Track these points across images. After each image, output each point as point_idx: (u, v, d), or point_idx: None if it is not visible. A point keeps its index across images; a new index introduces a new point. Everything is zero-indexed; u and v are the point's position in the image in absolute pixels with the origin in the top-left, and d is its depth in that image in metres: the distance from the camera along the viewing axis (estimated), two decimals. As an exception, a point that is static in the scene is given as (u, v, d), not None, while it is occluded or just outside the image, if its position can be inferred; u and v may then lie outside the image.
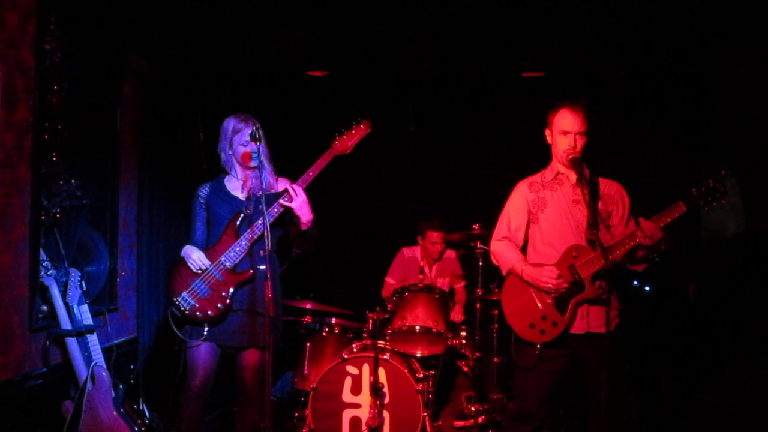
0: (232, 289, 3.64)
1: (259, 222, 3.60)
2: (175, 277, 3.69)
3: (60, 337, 3.88)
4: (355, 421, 4.55)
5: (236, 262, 3.65)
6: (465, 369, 5.38)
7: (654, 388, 5.23)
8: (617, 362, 3.41)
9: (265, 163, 3.68)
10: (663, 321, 5.53)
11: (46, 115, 3.79)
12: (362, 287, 6.17)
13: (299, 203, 3.63)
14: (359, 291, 6.19)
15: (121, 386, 3.92)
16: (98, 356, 3.92)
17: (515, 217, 3.72)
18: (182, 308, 3.63)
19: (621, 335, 3.52)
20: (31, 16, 3.69)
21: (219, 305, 3.63)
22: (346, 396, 4.58)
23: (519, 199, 3.72)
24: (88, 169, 4.26)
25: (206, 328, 3.63)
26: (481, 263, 5.00)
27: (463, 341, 5.23)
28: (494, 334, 5.19)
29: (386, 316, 5.03)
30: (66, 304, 3.87)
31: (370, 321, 5.01)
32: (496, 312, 5.18)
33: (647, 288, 5.66)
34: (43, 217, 3.80)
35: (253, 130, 3.52)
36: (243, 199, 3.75)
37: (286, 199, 3.62)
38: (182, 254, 3.73)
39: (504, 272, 3.71)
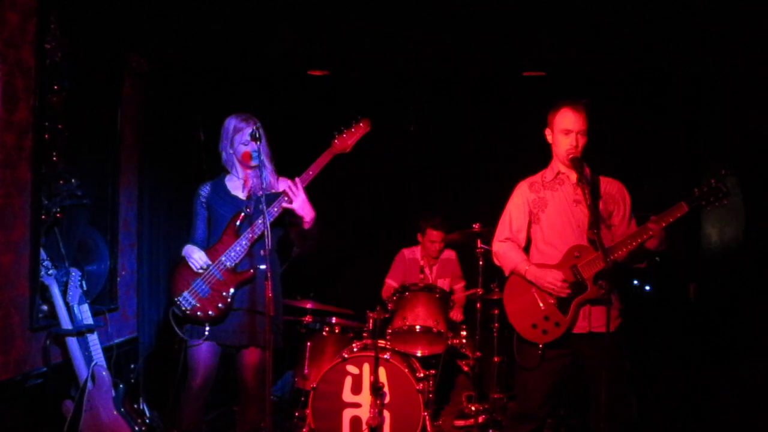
0: (232, 289, 3.64)
1: (260, 221, 3.61)
2: (176, 276, 3.70)
3: (60, 337, 3.88)
4: (356, 421, 4.55)
5: (237, 261, 3.66)
6: (465, 368, 5.38)
7: (654, 387, 5.23)
8: (618, 362, 3.41)
9: (266, 163, 3.69)
10: (663, 321, 5.53)
11: (47, 115, 3.78)
12: (362, 287, 6.17)
13: (299, 203, 3.63)
14: (359, 290, 6.19)
15: (121, 386, 3.91)
16: (98, 356, 3.92)
17: (516, 218, 3.72)
18: (183, 308, 3.64)
19: (622, 335, 3.52)
20: (32, 15, 3.69)
21: (220, 305, 3.63)
22: (347, 395, 4.58)
23: (520, 199, 3.72)
24: (88, 169, 4.25)
25: (207, 328, 3.64)
26: (481, 262, 5.00)
27: (464, 341, 5.23)
28: (495, 334, 5.19)
29: (386, 315, 5.03)
30: (66, 303, 3.86)
31: (371, 320, 5.01)
32: (496, 311, 5.18)
33: (648, 288, 5.66)
34: (43, 217, 3.80)
35: (253, 130, 3.52)
36: (244, 198, 3.76)
37: (285, 200, 3.63)
38: (183, 254, 3.73)
39: (507, 272, 3.71)
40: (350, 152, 3.77)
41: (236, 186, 3.81)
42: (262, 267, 3.62)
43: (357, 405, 4.56)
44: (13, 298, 3.61)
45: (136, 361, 4.72)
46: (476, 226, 5.07)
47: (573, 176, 3.59)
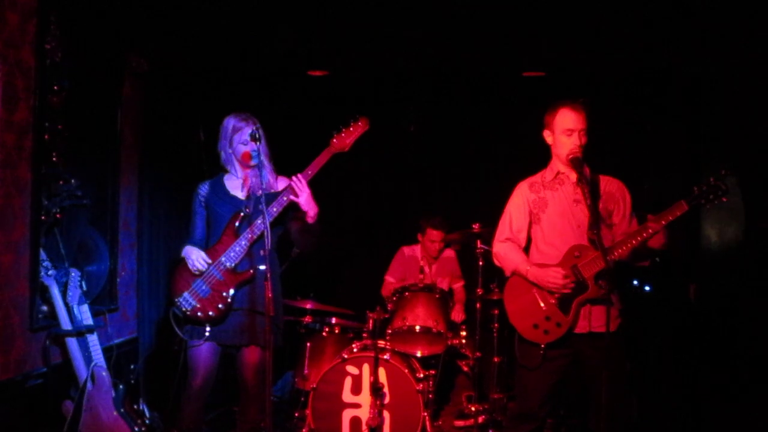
0: (232, 290, 3.64)
1: (259, 221, 3.61)
2: (176, 277, 3.70)
3: (60, 337, 3.88)
4: (356, 421, 4.55)
5: (236, 261, 3.66)
6: (465, 369, 5.38)
7: (654, 388, 5.23)
8: (618, 362, 3.41)
9: (265, 162, 3.68)
10: (663, 321, 5.53)
11: (47, 115, 3.78)
12: (362, 287, 6.17)
13: (305, 197, 3.63)
14: (359, 291, 6.20)
15: (121, 386, 3.91)
16: (98, 356, 3.92)
17: (517, 218, 3.72)
18: (183, 308, 3.64)
19: (622, 335, 3.52)
20: (32, 15, 3.69)
21: (220, 305, 3.63)
22: (347, 396, 4.58)
23: (520, 199, 3.72)
24: (88, 169, 4.25)
25: (207, 328, 3.64)
26: (481, 263, 5.00)
27: (464, 341, 5.23)
28: (494, 334, 5.19)
29: (386, 315, 5.03)
30: (66, 304, 3.86)
31: (371, 321, 5.02)
32: (496, 311, 5.18)
33: (647, 288, 5.66)
34: (43, 217, 3.80)
35: (253, 130, 3.52)
36: (243, 198, 3.76)
37: (291, 195, 3.62)
38: (182, 254, 3.73)
39: (508, 273, 3.71)
40: (350, 152, 3.76)
41: (235, 185, 3.80)
42: (262, 267, 3.61)
43: (357, 405, 4.56)
44: (13, 298, 3.60)
45: (136, 362, 4.72)
46: (476, 226, 5.07)
47: (573, 176, 3.59)
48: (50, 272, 3.80)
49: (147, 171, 5.00)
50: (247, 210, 3.70)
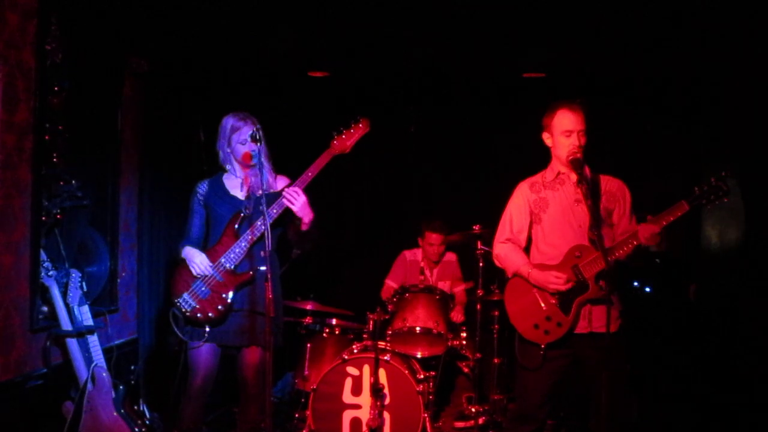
0: (232, 291, 3.64)
1: (259, 222, 3.60)
2: (176, 278, 3.70)
3: (60, 338, 3.88)
4: (356, 422, 4.55)
5: (236, 263, 3.65)
6: (465, 370, 5.38)
7: (654, 388, 5.23)
8: (618, 363, 3.40)
9: (265, 162, 3.68)
10: (663, 322, 5.53)
11: (47, 116, 3.78)
12: (363, 288, 6.17)
13: (300, 204, 3.62)
14: (360, 292, 6.19)
15: (121, 387, 3.91)
16: (99, 357, 3.92)
17: (517, 219, 3.72)
18: (183, 309, 3.63)
19: (622, 336, 3.52)
20: (32, 16, 3.69)
21: (219, 307, 3.62)
22: (347, 397, 4.58)
23: (520, 200, 3.72)
24: (88, 170, 4.25)
25: (207, 329, 3.63)
26: (481, 264, 5.00)
27: (464, 342, 5.23)
28: (495, 335, 5.19)
29: (387, 317, 5.03)
30: (66, 304, 3.86)
31: (371, 322, 5.01)
32: (496, 313, 5.18)
33: (648, 289, 5.66)
34: (43, 218, 3.80)
35: (253, 131, 3.52)
36: (242, 198, 3.75)
37: (286, 201, 3.61)
38: (183, 255, 3.72)
39: (509, 274, 3.71)
40: (350, 153, 3.76)
41: (234, 185, 3.80)
42: (262, 268, 3.61)
43: (357, 406, 4.56)
44: (13, 299, 3.60)
45: (137, 363, 4.72)
46: (476, 227, 5.06)
47: (573, 176, 3.58)
48: (51, 273, 3.80)
49: (147, 171, 5.00)
50: (247, 211, 3.69)
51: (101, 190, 4.51)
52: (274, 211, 3.61)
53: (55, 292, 3.81)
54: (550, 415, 3.79)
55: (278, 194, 3.66)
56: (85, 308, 3.95)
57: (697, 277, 5.66)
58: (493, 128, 6.39)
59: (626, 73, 5.75)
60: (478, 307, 5.03)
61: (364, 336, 5.08)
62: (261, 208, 3.42)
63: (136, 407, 3.99)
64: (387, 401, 4.53)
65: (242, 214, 3.69)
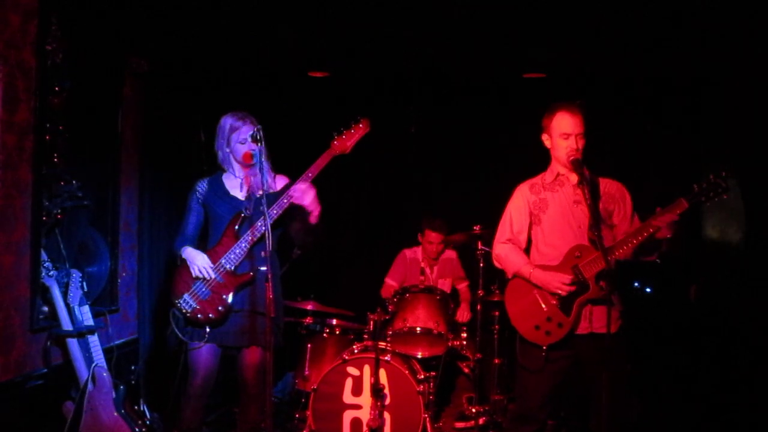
0: (232, 292, 3.63)
1: (259, 223, 3.60)
2: (176, 278, 3.69)
3: (61, 338, 3.88)
4: (356, 423, 4.55)
5: (236, 264, 3.65)
6: (466, 370, 5.38)
7: (655, 389, 5.23)
8: (619, 363, 3.40)
9: (264, 162, 3.67)
10: (664, 322, 5.53)
11: (47, 116, 3.78)
12: (363, 288, 6.17)
13: (311, 199, 3.62)
14: (360, 292, 6.19)
15: (121, 387, 3.91)
16: (99, 357, 3.92)
17: (517, 220, 3.72)
18: (183, 310, 3.63)
19: (623, 337, 3.52)
20: (33, 16, 3.69)
21: (220, 307, 3.62)
22: (347, 397, 4.57)
23: (520, 201, 3.72)
24: (89, 170, 4.25)
25: (208, 330, 3.63)
26: (482, 264, 5.00)
27: (464, 342, 5.23)
28: (495, 336, 5.20)
29: (387, 317, 5.03)
30: (67, 304, 3.86)
31: (371, 322, 5.02)
32: (497, 313, 5.18)
33: (648, 289, 5.66)
34: (44, 218, 3.80)
35: (254, 131, 3.51)
36: (242, 198, 3.75)
37: (296, 199, 3.60)
38: (184, 256, 3.71)
39: (509, 275, 3.71)
40: (351, 153, 3.75)
41: (234, 185, 3.80)
42: (263, 269, 3.61)
43: (357, 407, 4.56)
44: (13, 299, 3.60)
45: (137, 363, 4.73)
46: (477, 227, 5.07)
47: (573, 177, 3.59)
48: (51, 273, 3.80)
49: (147, 172, 5.00)
50: (248, 211, 3.69)
51: (102, 190, 4.51)
52: (275, 212, 3.60)
53: (56, 292, 3.81)
54: (550, 415, 3.79)
55: (278, 194, 3.65)
56: (86, 308, 3.95)
57: (697, 278, 5.66)
58: (493, 129, 6.38)
59: (626, 73, 5.75)
60: (479, 307, 5.04)
61: (365, 336, 5.08)
62: (261, 208, 3.42)
63: (136, 407, 3.99)
64: (387, 401, 4.53)
65: (242, 215, 3.68)
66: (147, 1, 4.46)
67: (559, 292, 3.46)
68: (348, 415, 4.56)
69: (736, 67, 5.12)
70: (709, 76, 5.51)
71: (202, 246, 3.76)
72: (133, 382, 4.05)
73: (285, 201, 3.61)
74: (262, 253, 3.62)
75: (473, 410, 5.10)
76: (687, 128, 5.94)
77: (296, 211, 3.70)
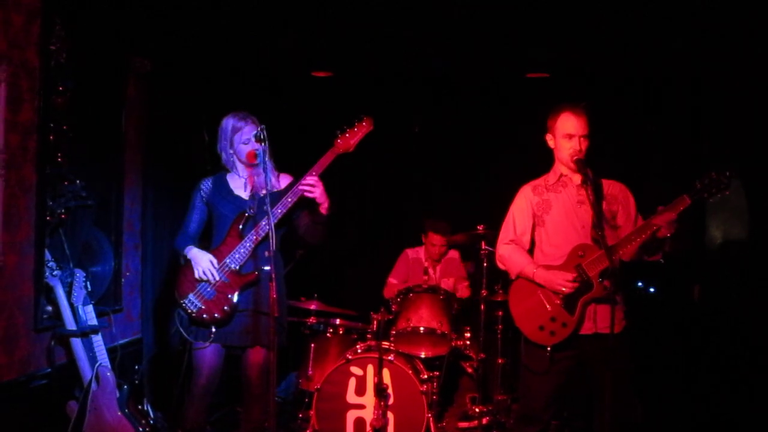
0: (237, 292, 3.63)
1: (264, 222, 3.60)
2: (180, 278, 3.69)
3: (65, 338, 3.88)
4: (360, 422, 4.55)
5: (241, 263, 3.65)
6: (469, 370, 5.38)
7: (659, 389, 5.22)
8: (623, 364, 3.39)
9: (268, 162, 3.67)
10: (668, 322, 5.52)
11: (51, 116, 3.79)
12: (366, 288, 6.17)
13: (320, 192, 3.61)
14: (363, 292, 6.20)
15: (125, 386, 3.92)
16: (103, 356, 3.93)
17: (520, 221, 3.72)
18: (188, 310, 3.63)
19: (627, 337, 3.51)
20: (36, 16, 3.70)
21: (225, 307, 3.62)
22: (351, 397, 4.57)
23: (523, 202, 3.72)
24: (92, 170, 4.26)
25: (213, 330, 3.63)
26: (485, 264, 5.00)
27: (468, 342, 5.22)
28: (498, 336, 5.19)
29: (390, 317, 5.03)
30: (71, 304, 3.87)
31: (375, 322, 5.01)
32: (500, 313, 5.17)
33: (652, 289, 5.65)
34: (48, 218, 3.80)
35: (257, 131, 3.51)
36: (246, 198, 3.75)
37: (306, 193, 3.59)
38: (189, 256, 3.70)
39: (513, 276, 3.70)
40: (354, 152, 3.75)
41: (238, 185, 3.79)
42: (267, 268, 3.61)
43: (361, 406, 4.56)
44: (17, 298, 3.61)
45: (141, 362, 4.73)
46: (480, 227, 5.06)
47: (576, 178, 3.59)
48: (55, 273, 3.80)
49: (151, 171, 5.01)
50: (252, 211, 3.69)
51: (105, 190, 4.52)
52: (279, 211, 3.60)
53: (60, 292, 3.82)
54: (554, 415, 3.78)
55: (283, 193, 3.65)
56: (90, 308, 3.95)
57: (701, 278, 5.65)
58: (497, 128, 6.38)
59: (629, 73, 5.75)
60: (482, 307, 5.03)
61: (368, 336, 5.08)
62: (265, 207, 3.42)
63: (140, 407, 4.00)
64: (391, 401, 4.53)
65: (247, 214, 3.68)
66: (150, 1, 4.47)
67: (563, 290, 3.46)
68: (351, 415, 4.56)
69: (736, 67, 5.11)
70: (709, 76, 5.50)
71: (205, 245, 3.76)
72: (136, 381, 4.05)
73: (290, 200, 3.61)
74: (266, 253, 3.61)
75: (476, 410, 5.10)
76: (687, 128, 5.93)
77: (304, 205, 3.70)
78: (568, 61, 5.57)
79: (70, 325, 3.83)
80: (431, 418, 4.57)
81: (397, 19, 4.75)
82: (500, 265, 3.78)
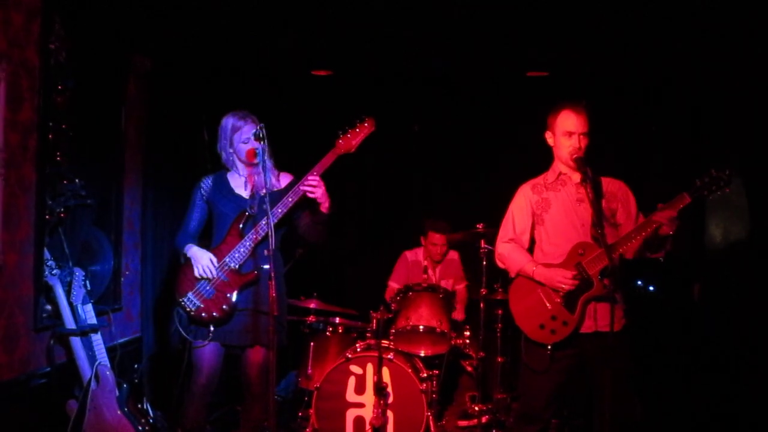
0: (236, 291, 3.63)
1: (264, 221, 3.60)
2: (180, 277, 3.69)
3: (64, 337, 3.89)
4: (359, 421, 4.55)
5: (241, 262, 3.65)
6: (469, 369, 5.38)
7: (658, 388, 5.23)
8: (623, 363, 3.40)
9: (268, 161, 3.67)
10: (667, 321, 5.52)
11: (51, 115, 3.79)
12: (366, 287, 6.17)
13: (322, 192, 3.61)
14: (363, 291, 6.20)
15: (125, 385, 3.92)
16: (102, 355, 3.93)
17: (520, 220, 3.71)
18: (188, 309, 3.63)
19: (627, 336, 3.51)
20: (36, 15, 3.70)
21: (224, 306, 3.62)
22: (350, 396, 4.58)
23: (523, 201, 3.71)
24: (92, 169, 4.26)
25: (212, 328, 3.63)
26: (484, 263, 5.00)
27: (467, 341, 5.22)
28: (498, 334, 5.19)
29: (390, 315, 5.03)
30: (70, 303, 3.87)
31: (374, 321, 5.01)
32: (500, 311, 5.17)
33: (651, 288, 5.65)
34: (47, 217, 3.80)
35: (257, 130, 3.51)
36: (246, 197, 3.75)
37: (308, 193, 3.59)
38: (189, 255, 3.71)
39: (512, 274, 3.70)
40: (354, 153, 3.74)
41: (239, 184, 3.80)
42: (266, 267, 3.61)
43: (360, 405, 4.56)
44: (17, 298, 3.61)
45: (140, 361, 4.73)
46: (480, 226, 5.06)
47: (575, 177, 3.59)
48: (54, 272, 3.81)
49: (151, 171, 5.01)
50: (252, 210, 3.69)
51: (105, 189, 4.52)
52: (279, 210, 3.60)
53: (59, 291, 3.82)
54: (554, 414, 3.78)
55: (283, 192, 3.65)
56: (89, 307, 3.95)
57: (701, 277, 5.65)
58: (497, 127, 6.38)
59: (626, 72, 5.74)
60: (482, 305, 5.03)
61: (368, 335, 5.08)
62: (264, 207, 3.42)
63: (139, 406, 4.00)
64: (390, 400, 4.53)
65: (247, 213, 3.68)
66: (150, 0, 4.47)
67: (563, 287, 3.46)
68: (351, 414, 4.56)
69: (736, 67, 5.11)
70: (709, 76, 5.50)
71: (205, 244, 3.76)
72: (136, 380, 4.05)
73: (290, 199, 3.60)
74: (266, 252, 3.61)
75: (476, 409, 5.10)
76: (687, 128, 5.93)
77: (305, 204, 3.70)
78: (568, 61, 5.57)
79: (70, 324, 3.83)
80: (431, 417, 4.57)
81: (397, 19, 4.75)
82: (500, 264, 3.78)
